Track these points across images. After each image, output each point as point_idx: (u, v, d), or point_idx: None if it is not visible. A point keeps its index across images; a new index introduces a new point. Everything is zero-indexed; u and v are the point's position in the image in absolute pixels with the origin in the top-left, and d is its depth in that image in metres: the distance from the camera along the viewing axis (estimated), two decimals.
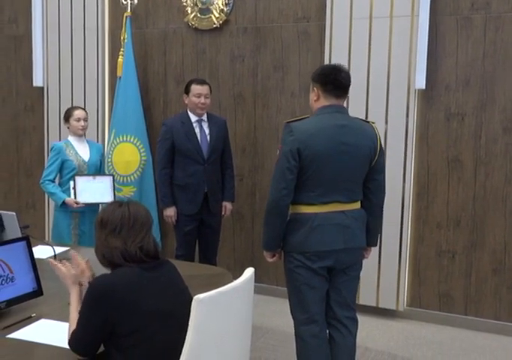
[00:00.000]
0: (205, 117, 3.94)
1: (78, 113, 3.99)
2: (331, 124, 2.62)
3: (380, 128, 3.92)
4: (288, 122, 2.67)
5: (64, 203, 3.85)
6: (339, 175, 2.61)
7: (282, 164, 2.59)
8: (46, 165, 4.00)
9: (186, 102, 3.92)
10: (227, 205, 4.09)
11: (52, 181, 3.91)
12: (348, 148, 2.60)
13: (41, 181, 3.91)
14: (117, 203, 2.01)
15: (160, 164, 3.91)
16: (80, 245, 3.81)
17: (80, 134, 4.03)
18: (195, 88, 3.86)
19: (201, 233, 4.03)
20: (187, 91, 3.90)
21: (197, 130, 3.89)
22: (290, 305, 2.78)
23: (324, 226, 2.63)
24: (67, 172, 3.93)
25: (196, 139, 3.86)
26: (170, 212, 3.91)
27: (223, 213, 4.07)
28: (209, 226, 4.00)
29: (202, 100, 3.84)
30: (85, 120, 4.03)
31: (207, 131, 3.91)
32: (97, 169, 4.10)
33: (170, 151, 3.87)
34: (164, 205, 3.93)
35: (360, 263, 2.83)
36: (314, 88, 2.69)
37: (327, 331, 2.78)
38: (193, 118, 3.90)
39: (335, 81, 2.63)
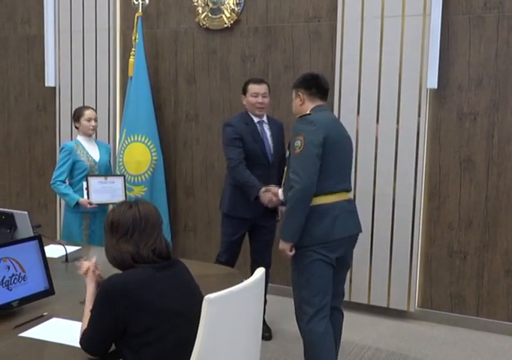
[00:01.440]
0: (265, 118, 3.74)
1: (89, 113, 3.99)
2: (332, 118, 2.94)
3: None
4: (301, 116, 2.84)
5: (77, 204, 3.83)
6: (345, 163, 2.89)
7: (310, 151, 2.69)
8: (56, 165, 3.96)
9: (244, 103, 3.72)
10: (283, 210, 3.88)
11: (64, 181, 3.89)
12: (346, 139, 2.92)
13: (52, 181, 3.88)
14: (127, 204, 1.98)
15: (233, 161, 3.57)
16: (91, 245, 3.82)
17: (90, 134, 4.03)
18: (252, 88, 3.66)
19: (255, 237, 3.81)
20: (244, 91, 3.70)
21: (260, 131, 3.69)
22: (300, 301, 2.83)
23: (342, 214, 2.80)
24: (79, 173, 3.91)
25: (261, 141, 3.66)
26: (268, 192, 3.44)
27: (278, 218, 3.84)
28: (266, 229, 3.76)
29: (259, 99, 3.63)
30: (95, 120, 4.02)
31: (269, 133, 3.72)
32: (108, 169, 4.10)
33: (242, 148, 3.58)
34: (259, 188, 3.46)
35: None
36: (299, 93, 2.90)
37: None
38: (254, 119, 3.69)
39: (318, 84, 2.90)
